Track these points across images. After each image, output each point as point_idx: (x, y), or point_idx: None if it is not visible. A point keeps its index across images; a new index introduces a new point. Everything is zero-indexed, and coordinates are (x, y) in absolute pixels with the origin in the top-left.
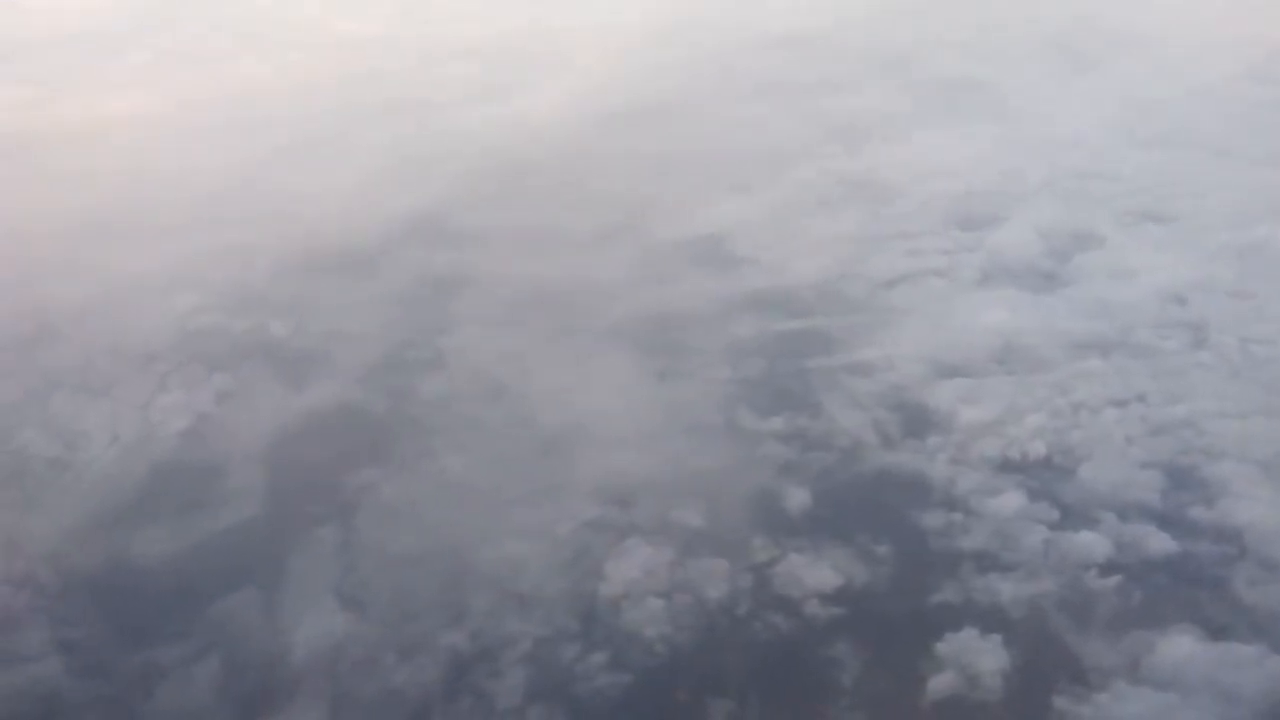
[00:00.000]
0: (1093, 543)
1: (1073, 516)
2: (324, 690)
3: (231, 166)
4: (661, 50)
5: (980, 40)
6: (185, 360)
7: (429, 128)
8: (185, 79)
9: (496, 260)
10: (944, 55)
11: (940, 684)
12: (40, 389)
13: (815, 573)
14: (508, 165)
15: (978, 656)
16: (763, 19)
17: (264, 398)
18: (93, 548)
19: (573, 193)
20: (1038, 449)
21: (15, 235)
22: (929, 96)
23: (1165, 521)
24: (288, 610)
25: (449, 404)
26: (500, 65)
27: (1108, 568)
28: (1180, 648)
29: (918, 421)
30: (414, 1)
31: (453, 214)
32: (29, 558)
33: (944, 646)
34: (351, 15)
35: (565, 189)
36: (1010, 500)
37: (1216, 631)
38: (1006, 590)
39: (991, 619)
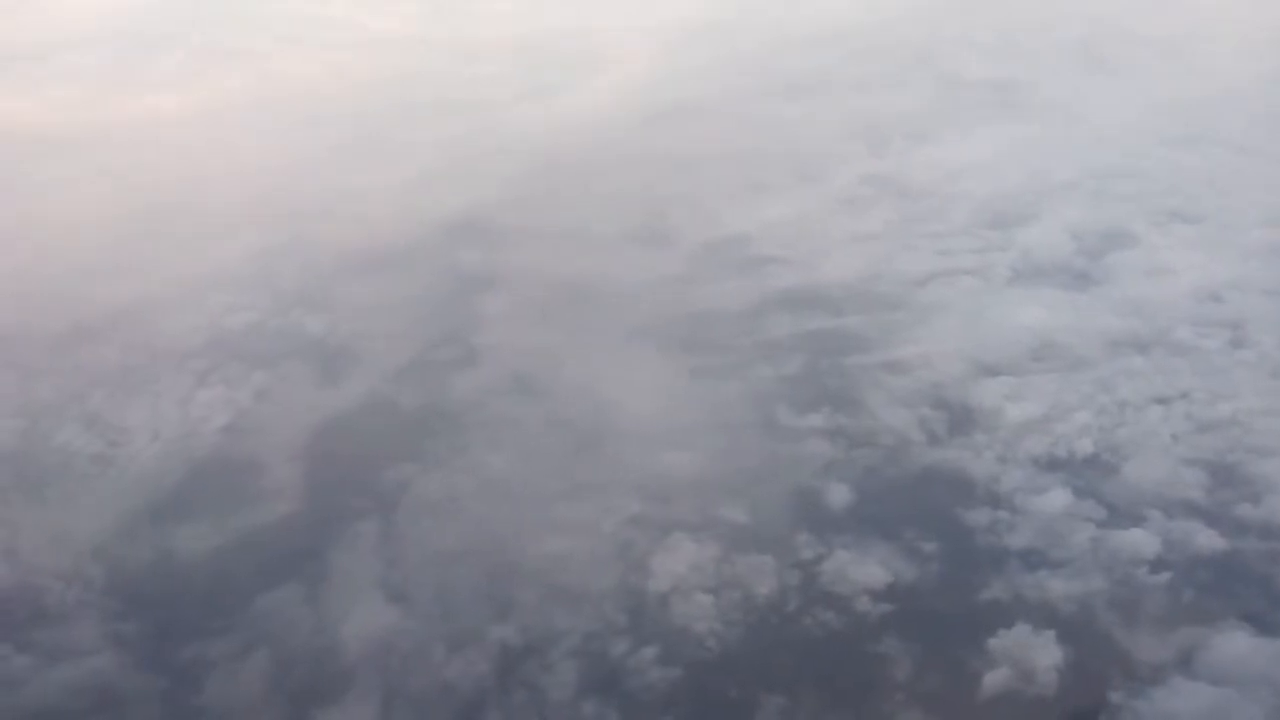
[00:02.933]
0: (1141, 540)
1: (1119, 514)
2: (376, 683)
3: (269, 166)
4: (696, 50)
5: (1009, 40)
6: (224, 358)
7: (463, 127)
8: (222, 79)
9: (532, 259)
10: (972, 55)
11: (995, 680)
12: (81, 386)
13: (863, 569)
14: (544, 165)
15: (1032, 652)
16: (795, 19)
17: (302, 395)
18: (137, 543)
19: (608, 192)
20: (1084, 447)
21: (56, 234)
22: (957, 96)
23: (1212, 519)
24: (333, 604)
25: (485, 401)
26: (534, 65)
27: (1157, 565)
28: (1234, 643)
29: (961, 419)
30: (445, 1)
31: (488, 213)
32: (76, 553)
33: (997, 643)
34: (385, 14)
35: (601, 188)
36: (1056, 498)
37: (1267, 628)
38: (1056, 587)
39: (1042, 615)
